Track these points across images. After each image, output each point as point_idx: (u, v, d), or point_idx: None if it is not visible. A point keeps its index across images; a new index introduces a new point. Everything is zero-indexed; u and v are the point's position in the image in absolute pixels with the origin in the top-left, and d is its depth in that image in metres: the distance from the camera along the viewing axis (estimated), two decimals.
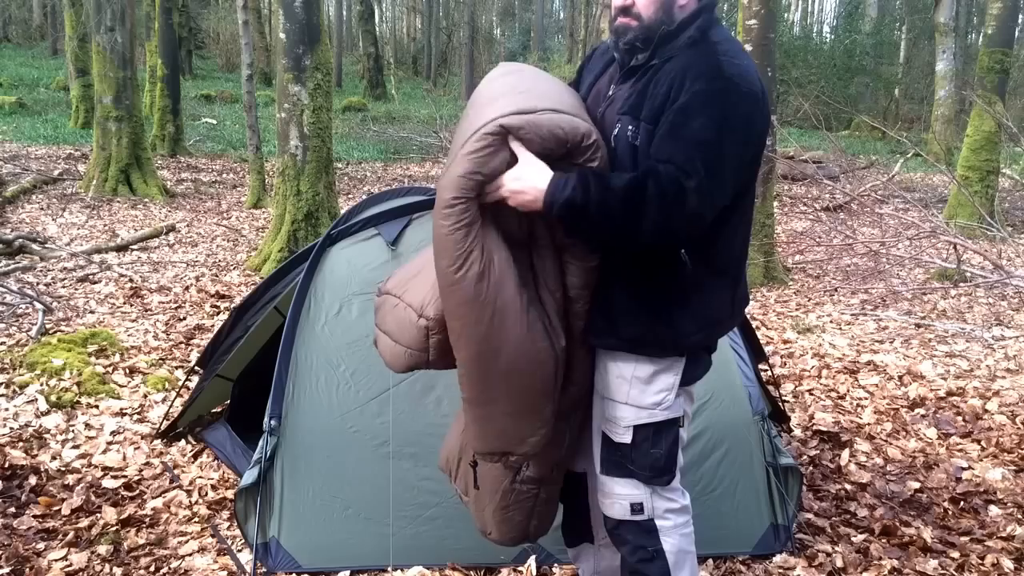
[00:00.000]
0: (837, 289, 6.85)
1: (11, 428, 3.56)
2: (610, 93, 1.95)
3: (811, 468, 3.45)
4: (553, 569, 2.66)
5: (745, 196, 1.92)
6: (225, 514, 3.00)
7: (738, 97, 1.76)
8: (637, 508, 1.96)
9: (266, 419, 2.67)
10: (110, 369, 4.30)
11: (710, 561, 2.69)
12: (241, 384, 3.66)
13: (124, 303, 5.67)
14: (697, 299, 1.88)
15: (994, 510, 3.11)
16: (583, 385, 1.98)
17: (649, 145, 1.80)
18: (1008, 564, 2.72)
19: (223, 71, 27.20)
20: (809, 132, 18.56)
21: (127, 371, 4.31)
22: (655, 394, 1.91)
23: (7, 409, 3.74)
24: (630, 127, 1.83)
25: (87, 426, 3.68)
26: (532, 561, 2.62)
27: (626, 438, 1.93)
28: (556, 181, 1.74)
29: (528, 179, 1.76)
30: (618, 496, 1.96)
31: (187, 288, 6.14)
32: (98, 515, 2.95)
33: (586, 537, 2.24)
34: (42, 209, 9.03)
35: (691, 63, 1.80)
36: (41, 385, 3.97)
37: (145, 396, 4.04)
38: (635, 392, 1.91)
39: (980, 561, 2.75)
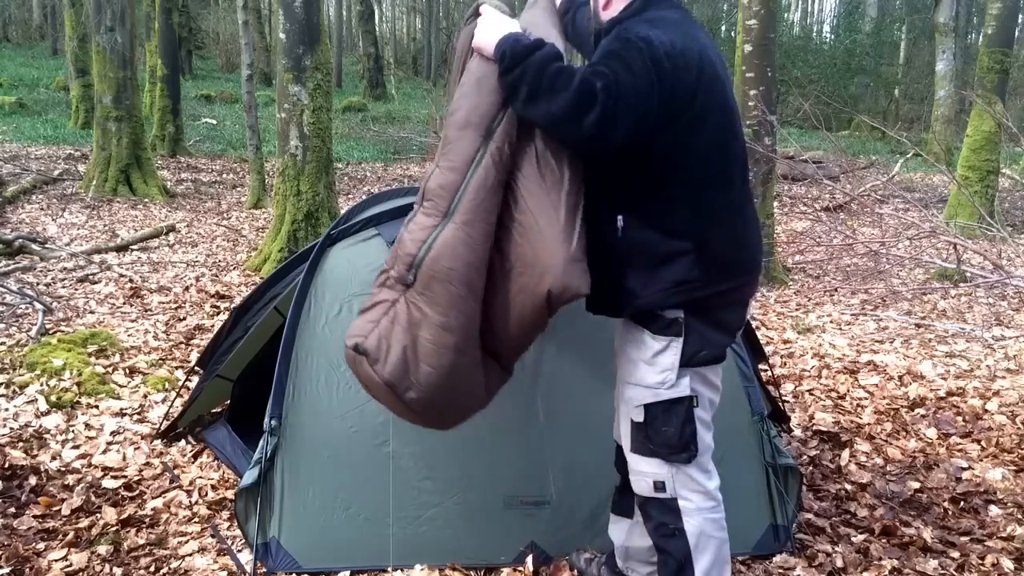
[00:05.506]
0: (837, 289, 6.85)
1: (11, 428, 3.57)
2: None
3: (811, 468, 3.45)
4: (553, 569, 2.65)
5: (678, 160, 1.96)
6: (225, 514, 3.00)
7: (636, 48, 1.87)
8: (660, 486, 2.08)
9: (266, 419, 2.67)
10: (110, 369, 4.30)
11: None
12: (241, 384, 3.66)
13: (124, 303, 5.67)
14: (642, 260, 1.99)
15: (994, 510, 3.11)
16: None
17: None
18: (1008, 564, 2.72)
19: (223, 71, 27.19)
20: (809, 132, 18.54)
21: (127, 371, 4.31)
22: (658, 373, 2.03)
23: (7, 409, 3.74)
24: None
25: (87, 426, 3.68)
26: (530, 561, 2.63)
27: (640, 417, 2.07)
28: (513, 33, 1.98)
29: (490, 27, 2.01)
30: (643, 474, 2.10)
31: (187, 288, 6.14)
32: (98, 515, 2.95)
33: (629, 514, 2.34)
34: (42, 209, 9.03)
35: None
36: (41, 385, 3.97)
37: (145, 396, 4.04)
38: (640, 372, 2.06)
39: (980, 561, 2.75)
